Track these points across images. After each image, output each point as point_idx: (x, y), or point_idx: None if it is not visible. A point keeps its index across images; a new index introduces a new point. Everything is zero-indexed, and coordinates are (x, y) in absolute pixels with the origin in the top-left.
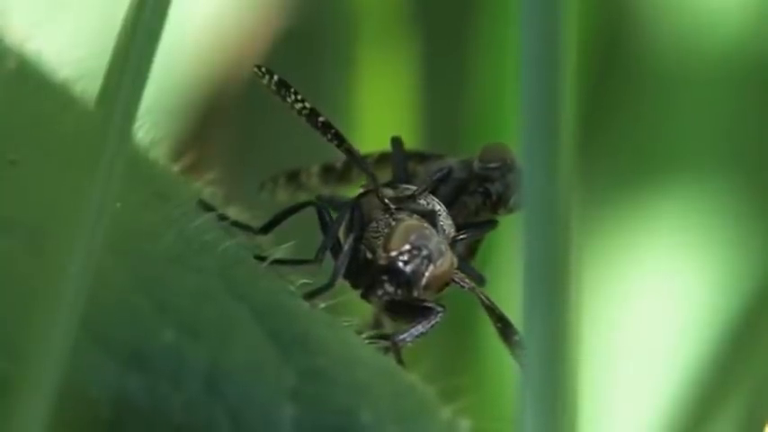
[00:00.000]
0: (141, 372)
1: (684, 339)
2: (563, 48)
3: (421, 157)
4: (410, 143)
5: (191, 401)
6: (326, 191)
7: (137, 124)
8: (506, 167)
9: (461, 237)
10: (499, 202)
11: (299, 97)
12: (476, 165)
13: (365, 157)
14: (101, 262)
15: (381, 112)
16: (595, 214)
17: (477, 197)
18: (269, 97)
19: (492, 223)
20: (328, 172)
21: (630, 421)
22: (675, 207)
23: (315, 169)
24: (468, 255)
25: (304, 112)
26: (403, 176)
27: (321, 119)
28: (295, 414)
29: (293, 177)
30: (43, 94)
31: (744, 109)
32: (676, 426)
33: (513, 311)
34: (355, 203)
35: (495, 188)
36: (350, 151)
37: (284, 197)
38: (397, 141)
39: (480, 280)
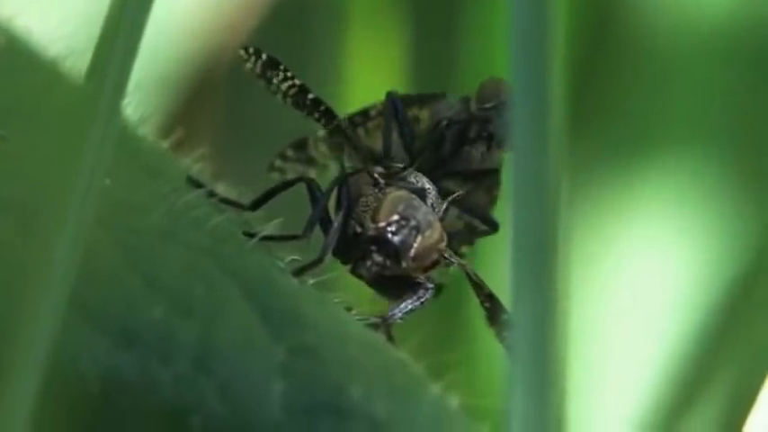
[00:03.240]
0: (131, 348)
1: (674, 315)
2: (553, 23)
3: (421, 101)
4: None
5: (180, 377)
6: (336, 157)
7: (126, 100)
8: (505, 105)
9: (458, 196)
10: (504, 142)
11: (289, 74)
12: (473, 106)
13: (365, 113)
14: (90, 238)
15: (371, 91)
16: (585, 190)
17: (480, 144)
18: None
19: (492, 173)
20: (335, 135)
21: (619, 398)
22: (666, 182)
23: (322, 134)
24: (487, 202)
25: (292, 90)
26: (403, 135)
27: (311, 96)
28: (285, 390)
29: (300, 148)
30: (33, 71)
31: (735, 84)
32: (666, 401)
33: (502, 289)
34: (344, 180)
35: (496, 128)
36: (339, 128)
37: (295, 172)
38: (392, 97)
39: (494, 226)
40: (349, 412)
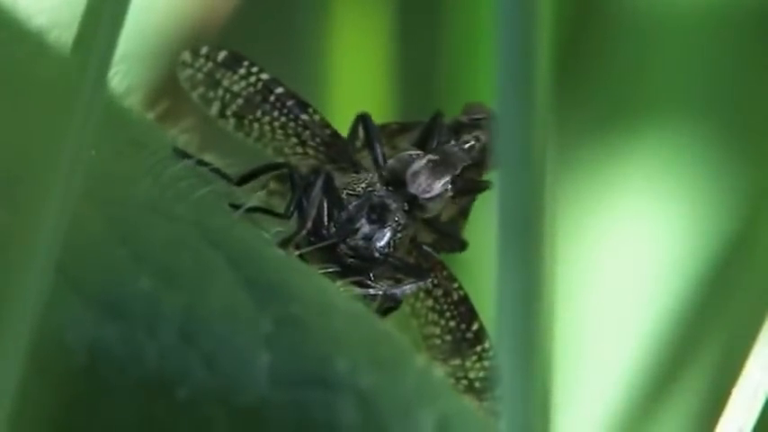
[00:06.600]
0: (117, 319)
1: (658, 284)
2: (539, 2)
3: (403, 129)
4: (384, 100)
5: (166, 348)
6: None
7: (112, 71)
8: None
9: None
10: (489, 156)
11: (254, 69)
12: (463, 118)
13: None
14: (76, 210)
15: (356, 67)
16: (571, 160)
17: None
18: (244, 44)
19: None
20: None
21: (604, 365)
22: (650, 153)
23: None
24: (458, 217)
25: (258, 85)
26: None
27: (279, 90)
28: (271, 361)
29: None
30: (19, 42)
31: (718, 56)
32: (650, 367)
33: (487, 267)
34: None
35: (484, 137)
36: (306, 125)
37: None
38: (365, 119)
39: (461, 245)
40: (335, 384)
